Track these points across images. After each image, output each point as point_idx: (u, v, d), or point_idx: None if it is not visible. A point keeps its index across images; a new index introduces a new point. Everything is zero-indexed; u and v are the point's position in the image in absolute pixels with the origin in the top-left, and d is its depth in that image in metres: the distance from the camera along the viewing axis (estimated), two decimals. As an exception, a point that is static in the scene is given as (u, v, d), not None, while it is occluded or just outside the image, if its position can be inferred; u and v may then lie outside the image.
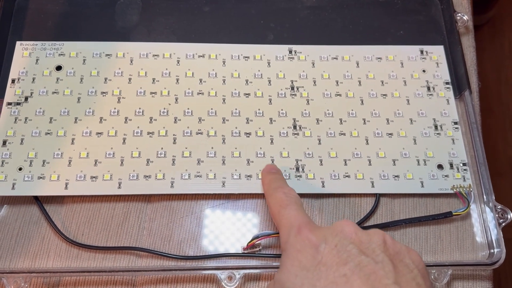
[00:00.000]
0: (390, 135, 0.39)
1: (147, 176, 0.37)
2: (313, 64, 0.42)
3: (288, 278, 0.26)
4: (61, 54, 0.41)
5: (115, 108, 0.39)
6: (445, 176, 0.38)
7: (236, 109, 0.39)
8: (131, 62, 0.41)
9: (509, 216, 0.36)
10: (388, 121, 0.39)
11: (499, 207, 0.37)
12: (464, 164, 0.38)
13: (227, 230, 0.36)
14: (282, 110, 0.40)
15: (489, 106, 0.88)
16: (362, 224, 0.37)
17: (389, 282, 0.25)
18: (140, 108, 0.39)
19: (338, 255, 0.26)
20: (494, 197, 0.37)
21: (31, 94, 0.39)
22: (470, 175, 0.38)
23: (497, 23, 0.97)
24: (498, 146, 0.87)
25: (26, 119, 0.38)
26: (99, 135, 0.38)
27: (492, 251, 0.36)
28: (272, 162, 0.38)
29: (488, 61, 0.94)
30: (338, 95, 0.40)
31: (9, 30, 0.42)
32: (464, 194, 0.37)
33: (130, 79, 0.40)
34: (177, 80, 0.40)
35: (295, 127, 0.39)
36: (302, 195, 0.37)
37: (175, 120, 0.39)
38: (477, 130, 0.39)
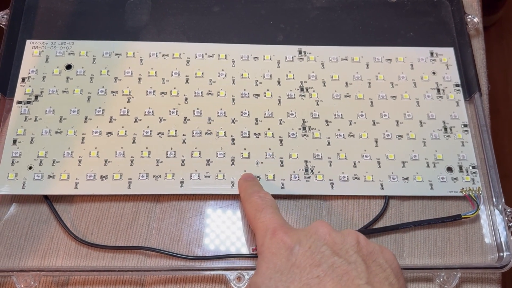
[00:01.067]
0: (399, 137, 0.39)
1: (156, 176, 0.37)
2: (323, 65, 0.41)
3: (263, 281, 0.26)
4: (71, 53, 0.41)
5: (125, 108, 0.39)
6: (455, 178, 0.38)
7: (245, 109, 0.39)
8: (141, 61, 0.41)
9: (519, 220, 0.36)
10: (397, 123, 0.39)
11: (508, 210, 0.37)
12: (473, 167, 0.38)
13: (236, 230, 0.36)
14: (291, 111, 0.40)
15: (495, 107, 0.88)
16: (371, 226, 0.37)
17: (361, 282, 0.25)
18: (149, 108, 0.39)
19: (311, 256, 0.26)
20: (504, 200, 0.37)
21: (41, 93, 0.39)
22: (479, 178, 0.38)
23: (504, 24, 0.97)
24: (505, 148, 0.86)
25: (36, 118, 0.38)
26: (109, 134, 0.38)
27: (501, 254, 0.36)
28: (281, 163, 0.38)
29: (495, 62, 0.93)
30: (347, 96, 0.40)
31: (19, 29, 0.42)
32: (473, 197, 0.37)
33: (140, 79, 0.40)
34: (187, 80, 0.40)
35: (304, 128, 0.39)
36: (311, 197, 0.37)
37: (185, 120, 0.39)
38: (487, 133, 0.39)
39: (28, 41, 0.41)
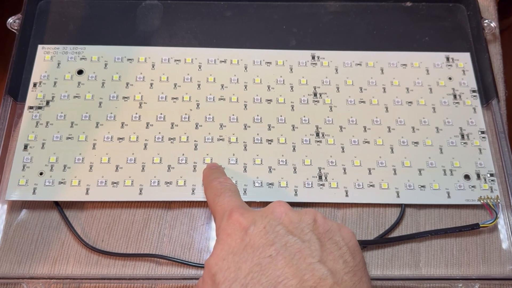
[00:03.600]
0: (415, 144, 0.38)
1: (168, 183, 0.36)
2: (337, 70, 0.41)
3: (216, 262, 0.26)
4: (83, 58, 0.40)
5: (136, 113, 0.38)
6: (472, 186, 0.37)
7: (257, 115, 0.39)
8: (153, 67, 0.40)
9: (539, 229, 0.35)
10: (413, 129, 0.39)
11: (528, 219, 0.36)
12: (491, 175, 0.37)
13: (249, 238, 0.35)
14: (304, 117, 0.39)
15: (510, 113, 0.86)
16: (387, 235, 0.36)
17: (313, 260, 0.25)
18: (161, 114, 0.38)
19: (265, 236, 0.26)
20: (523, 209, 0.36)
21: (53, 98, 0.39)
22: (497, 186, 0.37)
23: (517, 28, 0.95)
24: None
25: (47, 123, 0.38)
26: (120, 140, 0.37)
27: (521, 265, 0.35)
28: (294, 170, 0.37)
29: (508, 67, 0.92)
30: (362, 102, 0.40)
31: (31, 34, 0.42)
32: (491, 205, 0.36)
33: (151, 84, 0.40)
34: (199, 85, 0.40)
35: (318, 134, 0.38)
36: (324, 204, 0.37)
37: (196, 126, 0.38)
38: (505, 140, 0.38)
39: (39, 46, 0.41)
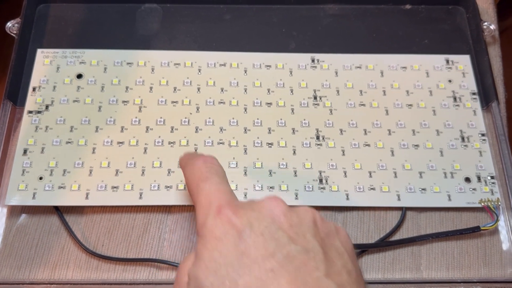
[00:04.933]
0: (416, 147, 0.38)
1: (168, 187, 0.36)
2: (336, 73, 0.41)
3: (207, 276, 0.22)
4: (82, 62, 0.40)
5: (136, 117, 0.38)
6: (473, 189, 0.37)
7: (257, 118, 0.39)
8: (152, 70, 0.40)
9: (540, 232, 0.35)
10: (414, 132, 0.39)
11: (529, 222, 0.36)
12: (492, 177, 0.37)
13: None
14: (304, 120, 0.39)
15: (510, 116, 0.86)
16: (388, 238, 0.36)
17: (320, 274, 0.22)
18: (161, 117, 0.38)
19: (264, 244, 0.22)
20: (524, 212, 0.36)
21: (52, 103, 0.39)
22: (498, 188, 0.37)
23: (516, 30, 0.96)
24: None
25: (46, 128, 0.38)
26: (120, 144, 0.37)
27: (522, 267, 0.35)
28: (295, 173, 0.37)
29: (508, 69, 0.92)
30: (362, 105, 0.40)
31: (30, 38, 0.42)
32: (492, 208, 0.36)
33: (151, 88, 0.40)
34: (198, 89, 0.40)
35: (318, 137, 0.38)
36: (325, 208, 0.37)
37: (196, 129, 0.38)
38: (506, 142, 0.38)
39: (39, 50, 0.41)
